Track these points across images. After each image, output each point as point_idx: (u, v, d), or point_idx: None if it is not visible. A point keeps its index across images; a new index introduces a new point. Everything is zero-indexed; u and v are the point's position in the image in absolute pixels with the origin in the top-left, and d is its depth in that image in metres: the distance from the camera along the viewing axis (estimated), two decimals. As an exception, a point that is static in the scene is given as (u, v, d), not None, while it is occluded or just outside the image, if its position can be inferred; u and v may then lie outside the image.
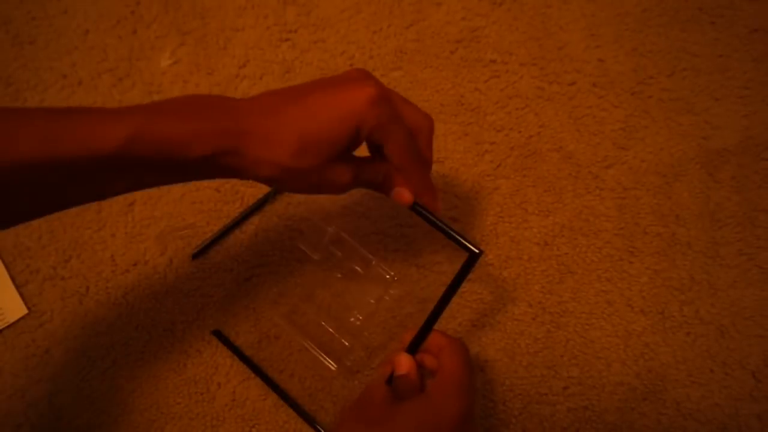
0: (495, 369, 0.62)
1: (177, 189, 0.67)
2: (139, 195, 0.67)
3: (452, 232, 0.48)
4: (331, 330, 0.62)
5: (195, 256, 0.64)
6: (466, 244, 0.48)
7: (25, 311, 0.63)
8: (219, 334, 0.62)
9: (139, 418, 0.60)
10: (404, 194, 0.47)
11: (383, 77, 0.71)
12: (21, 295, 0.63)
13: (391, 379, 0.49)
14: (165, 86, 0.71)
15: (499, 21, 0.72)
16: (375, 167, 0.47)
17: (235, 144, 0.41)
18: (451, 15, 0.73)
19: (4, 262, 0.64)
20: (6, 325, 0.62)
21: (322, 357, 0.61)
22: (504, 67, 0.71)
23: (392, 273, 0.62)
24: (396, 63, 0.71)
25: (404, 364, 0.48)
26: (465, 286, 0.63)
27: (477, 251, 0.48)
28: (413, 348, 0.50)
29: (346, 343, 0.61)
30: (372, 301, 0.62)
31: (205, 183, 0.67)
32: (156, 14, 0.73)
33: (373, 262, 0.62)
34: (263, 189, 0.67)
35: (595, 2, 0.72)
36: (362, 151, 0.47)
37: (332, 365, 0.60)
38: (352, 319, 0.62)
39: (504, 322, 0.63)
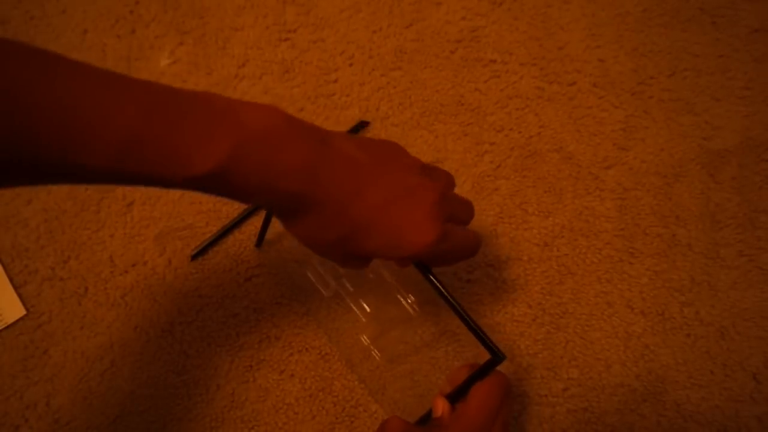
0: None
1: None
2: (138, 195, 0.67)
3: (480, 333, 0.47)
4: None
5: (194, 256, 0.64)
6: (491, 347, 0.46)
7: (24, 312, 0.62)
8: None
9: (137, 420, 0.60)
10: None
11: (383, 77, 0.71)
12: (19, 295, 0.63)
13: (424, 419, 0.50)
14: (164, 86, 0.71)
15: (499, 21, 0.72)
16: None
17: (312, 192, 0.37)
18: (451, 15, 0.72)
19: (2, 263, 0.64)
20: (4, 326, 0.62)
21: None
22: (504, 67, 0.71)
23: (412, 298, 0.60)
24: (396, 63, 0.71)
25: (439, 407, 0.48)
26: (464, 288, 0.63)
27: (500, 356, 0.46)
28: (455, 398, 0.49)
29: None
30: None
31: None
32: (155, 14, 0.73)
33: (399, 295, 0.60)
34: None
35: (595, 2, 0.72)
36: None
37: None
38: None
39: (504, 324, 0.63)
